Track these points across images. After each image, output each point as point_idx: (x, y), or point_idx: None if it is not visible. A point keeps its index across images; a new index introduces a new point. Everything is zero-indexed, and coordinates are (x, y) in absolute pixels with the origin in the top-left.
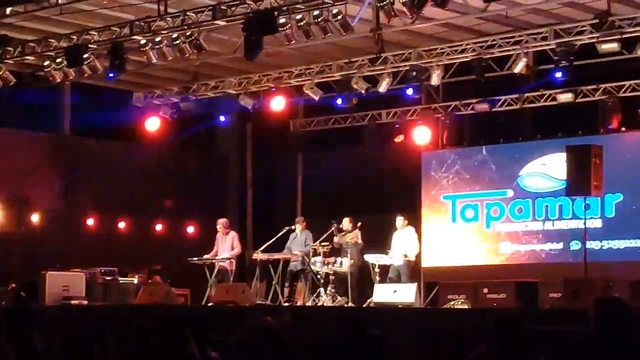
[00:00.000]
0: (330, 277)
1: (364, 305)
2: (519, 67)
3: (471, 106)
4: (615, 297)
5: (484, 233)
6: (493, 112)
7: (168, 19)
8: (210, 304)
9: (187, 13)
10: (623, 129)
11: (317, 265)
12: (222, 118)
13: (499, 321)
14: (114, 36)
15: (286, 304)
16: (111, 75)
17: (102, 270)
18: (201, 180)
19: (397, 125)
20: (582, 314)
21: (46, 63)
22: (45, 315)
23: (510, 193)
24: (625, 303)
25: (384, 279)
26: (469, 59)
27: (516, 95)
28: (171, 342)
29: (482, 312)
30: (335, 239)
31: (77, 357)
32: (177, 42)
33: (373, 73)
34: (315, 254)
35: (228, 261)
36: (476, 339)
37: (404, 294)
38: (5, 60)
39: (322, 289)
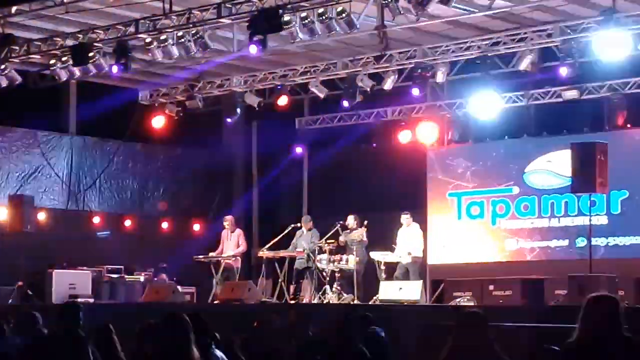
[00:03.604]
0: (336, 274)
1: (370, 303)
2: (524, 64)
3: None
4: (606, 295)
5: (489, 230)
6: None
7: (173, 17)
8: (216, 302)
9: (193, 11)
10: (628, 125)
11: (323, 262)
12: None
13: (461, 320)
14: (119, 34)
15: (292, 302)
16: (116, 70)
17: (109, 269)
18: (207, 178)
19: (402, 123)
20: None
21: (52, 62)
22: None
23: (515, 190)
24: (617, 300)
25: (389, 277)
26: (474, 56)
27: (521, 92)
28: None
29: (488, 310)
30: (341, 237)
31: None
32: (183, 40)
33: (378, 70)
34: (321, 251)
35: (234, 259)
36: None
37: (410, 291)
38: (11, 59)
39: (327, 287)
